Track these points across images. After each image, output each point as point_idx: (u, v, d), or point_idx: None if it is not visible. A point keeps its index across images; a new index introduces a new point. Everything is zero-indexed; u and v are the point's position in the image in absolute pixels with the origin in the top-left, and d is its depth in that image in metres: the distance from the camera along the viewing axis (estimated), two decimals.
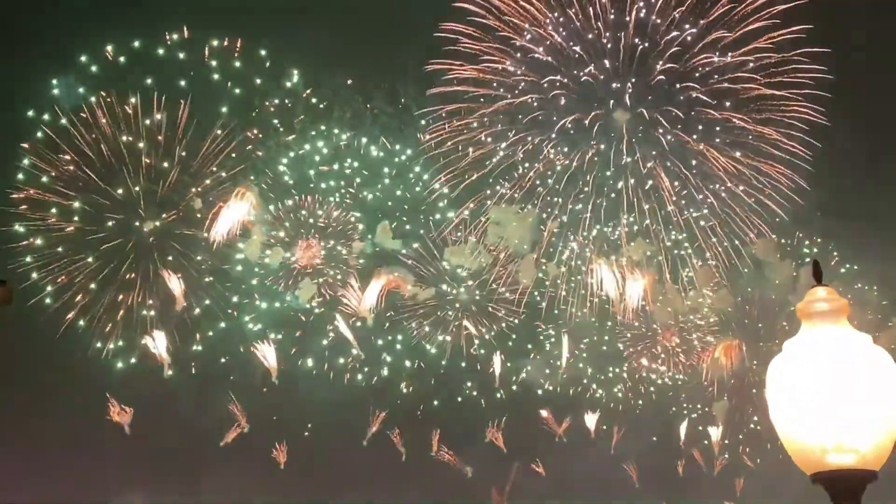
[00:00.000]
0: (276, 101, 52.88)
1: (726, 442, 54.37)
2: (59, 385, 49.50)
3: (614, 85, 52.81)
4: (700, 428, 55.04)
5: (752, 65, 51.75)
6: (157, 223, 52.09)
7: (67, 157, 51.17)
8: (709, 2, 51.72)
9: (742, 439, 53.46)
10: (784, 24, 50.97)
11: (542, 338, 55.37)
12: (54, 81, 51.21)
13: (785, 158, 52.29)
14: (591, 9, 52.06)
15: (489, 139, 53.35)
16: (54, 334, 50.48)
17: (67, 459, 49.54)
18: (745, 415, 53.39)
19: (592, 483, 52.99)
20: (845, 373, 7.38)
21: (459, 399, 54.28)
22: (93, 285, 51.49)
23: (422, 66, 51.70)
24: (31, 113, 50.92)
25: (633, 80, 52.63)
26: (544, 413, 54.72)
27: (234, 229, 51.95)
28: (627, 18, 52.05)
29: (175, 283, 51.79)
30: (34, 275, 50.79)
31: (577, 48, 52.64)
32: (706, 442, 54.94)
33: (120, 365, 51.76)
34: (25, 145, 50.59)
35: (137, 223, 52.04)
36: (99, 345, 51.35)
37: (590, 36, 52.47)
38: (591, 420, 54.81)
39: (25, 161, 50.61)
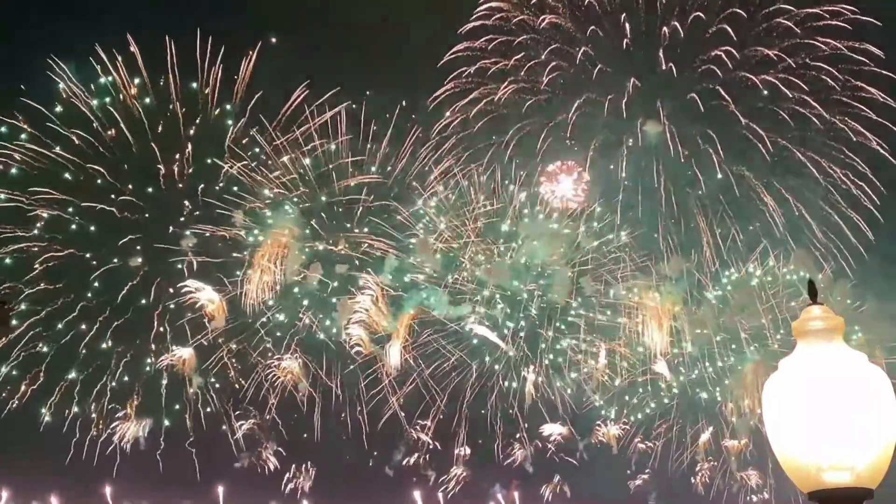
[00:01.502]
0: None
1: (745, 458, 53.87)
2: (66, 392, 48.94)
3: (639, 117, 52.66)
4: (720, 444, 54.51)
5: (805, 89, 51.15)
6: (194, 236, 51.13)
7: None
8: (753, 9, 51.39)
9: (761, 456, 52.83)
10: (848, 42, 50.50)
11: (574, 353, 55.06)
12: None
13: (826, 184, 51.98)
14: (627, 25, 52.00)
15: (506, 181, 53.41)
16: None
17: (72, 470, 49.00)
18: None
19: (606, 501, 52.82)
20: (841, 391, 7.43)
21: (488, 417, 53.96)
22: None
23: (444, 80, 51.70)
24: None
25: (664, 99, 52.49)
26: (561, 430, 54.08)
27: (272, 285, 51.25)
28: (660, 33, 51.96)
29: (212, 299, 51.39)
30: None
31: (608, 67, 52.63)
32: (724, 458, 54.43)
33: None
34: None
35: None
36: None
37: (622, 50, 52.42)
38: (613, 437, 54.40)
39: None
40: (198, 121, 51.54)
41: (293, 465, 52.35)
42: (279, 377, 51.99)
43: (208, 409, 51.28)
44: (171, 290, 50.94)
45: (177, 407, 50.96)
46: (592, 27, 52.15)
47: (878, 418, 7.41)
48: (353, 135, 52.84)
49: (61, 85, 49.74)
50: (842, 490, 7.38)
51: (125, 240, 50.52)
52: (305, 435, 52.02)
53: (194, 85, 51.14)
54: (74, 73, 49.68)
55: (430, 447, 53.63)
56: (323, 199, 53.26)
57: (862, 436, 7.37)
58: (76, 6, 49.85)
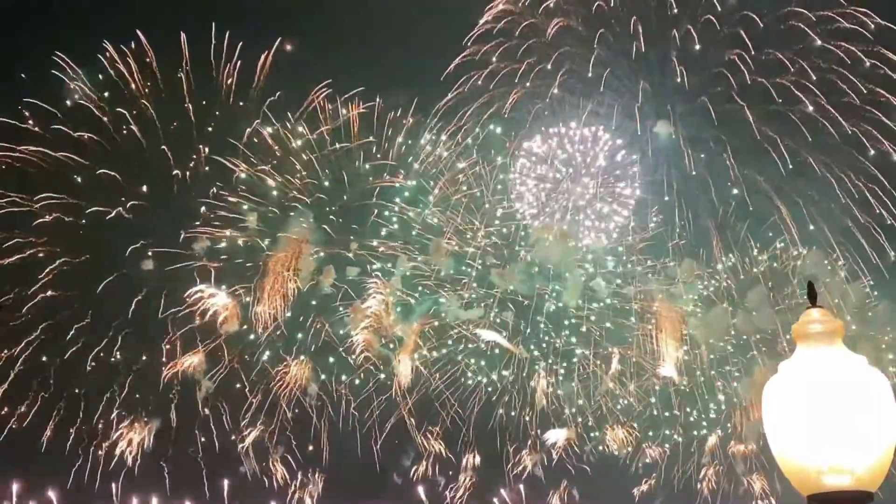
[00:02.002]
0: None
1: (752, 464, 53.61)
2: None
3: (651, 122, 52.63)
4: (726, 449, 54.28)
5: (819, 94, 50.92)
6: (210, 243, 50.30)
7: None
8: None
9: (768, 462, 52.49)
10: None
11: (584, 358, 54.86)
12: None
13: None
14: (640, 28, 51.93)
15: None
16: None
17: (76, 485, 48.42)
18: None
19: None
20: (841, 393, 7.43)
21: (498, 424, 53.66)
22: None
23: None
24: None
25: (676, 103, 52.41)
26: (566, 435, 53.67)
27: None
28: (672, 37, 51.90)
29: (225, 304, 50.84)
30: None
31: (619, 71, 52.61)
32: (730, 463, 54.19)
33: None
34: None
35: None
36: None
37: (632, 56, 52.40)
38: (621, 442, 54.25)
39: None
40: (212, 122, 51.27)
41: (300, 473, 51.89)
42: (288, 384, 51.63)
43: (217, 417, 50.74)
44: (185, 296, 50.26)
45: (184, 415, 50.31)
46: (602, 30, 52.16)
47: (878, 421, 7.41)
48: (368, 136, 52.85)
49: (69, 84, 49.12)
50: (842, 493, 7.38)
51: (136, 245, 49.88)
52: (313, 442, 51.64)
53: (209, 83, 50.74)
54: (83, 71, 48.89)
55: (439, 454, 53.35)
56: (337, 201, 53.24)
57: (862, 439, 7.37)
58: (82, 1, 48.98)
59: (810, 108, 51.16)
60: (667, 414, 54.34)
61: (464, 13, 51.63)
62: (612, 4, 51.97)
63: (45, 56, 47.83)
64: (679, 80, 52.18)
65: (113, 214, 49.62)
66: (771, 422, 7.71)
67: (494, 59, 52.03)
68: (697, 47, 51.68)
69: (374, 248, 53.30)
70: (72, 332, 48.72)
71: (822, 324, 7.82)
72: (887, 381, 7.58)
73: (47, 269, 48.75)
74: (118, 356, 49.35)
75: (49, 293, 48.62)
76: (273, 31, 50.96)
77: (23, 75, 47.90)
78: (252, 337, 51.72)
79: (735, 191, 53.10)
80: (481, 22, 51.90)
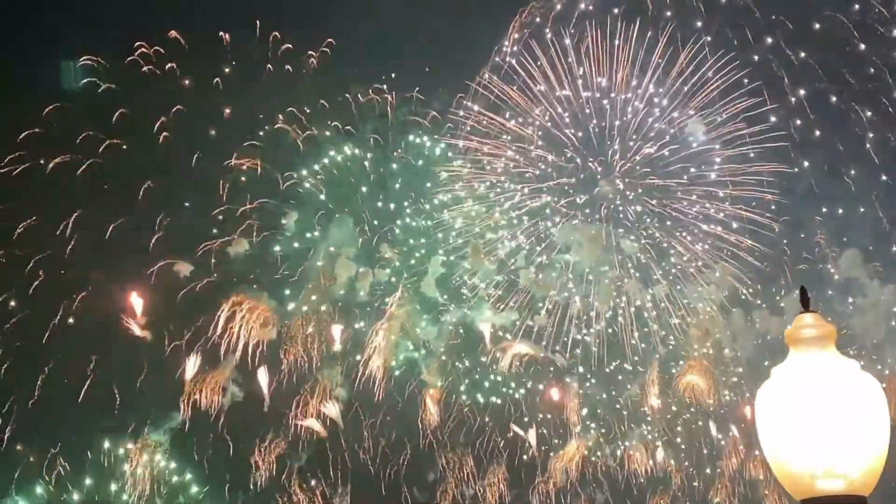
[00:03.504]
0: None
1: (768, 476, 53.01)
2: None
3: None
4: (743, 459, 53.87)
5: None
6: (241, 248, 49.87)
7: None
8: None
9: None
10: None
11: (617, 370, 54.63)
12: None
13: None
14: (678, 34, 51.93)
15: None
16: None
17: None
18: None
19: None
20: (833, 398, 7.45)
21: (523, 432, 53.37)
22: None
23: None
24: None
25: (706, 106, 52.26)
26: (584, 445, 53.14)
27: None
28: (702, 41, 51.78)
29: (266, 318, 50.44)
30: None
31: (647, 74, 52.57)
32: (746, 474, 53.70)
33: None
34: None
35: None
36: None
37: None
38: (645, 450, 53.98)
39: None
40: (251, 127, 50.90)
41: (322, 489, 51.14)
42: (314, 395, 51.14)
43: (239, 431, 50.11)
44: (219, 307, 49.56)
45: (209, 435, 49.53)
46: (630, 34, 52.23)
47: (871, 425, 7.45)
48: (403, 141, 53.11)
49: (101, 85, 48.20)
50: (835, 497, 7.41)
51: (169, 256, 48.95)
52: (337, 457, 51.08)
53: (247, 87, 50.59)
54: (113, 73, 47.81)
55: (464, 468, 52.74)
56: (374, 205, 53.21)
57: (855, 443, 7.40)
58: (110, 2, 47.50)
59: (844, 113, 51.00)
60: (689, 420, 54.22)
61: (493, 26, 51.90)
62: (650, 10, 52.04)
63: (72, 59, 46.89)
64: (711, 81, 52.13)
65: (146, 223, 48.94)
66: (764, 426, 7.75)
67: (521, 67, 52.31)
68: (727, 51, 51.55)
69: (409, 253, 53.45)
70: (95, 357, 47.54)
71: (814, 328, 7.82)
72: (879, 386, 7.59)
73: (78, 289, 47.64)
74: (144, 373, 48.21)
75: (73, 317, 47.40)
76: (315, 36, 51.24)
77: (52, 88, 47.04)
78: (283, 348, 51.47)
79: (769, 196, 52.92)
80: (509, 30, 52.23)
